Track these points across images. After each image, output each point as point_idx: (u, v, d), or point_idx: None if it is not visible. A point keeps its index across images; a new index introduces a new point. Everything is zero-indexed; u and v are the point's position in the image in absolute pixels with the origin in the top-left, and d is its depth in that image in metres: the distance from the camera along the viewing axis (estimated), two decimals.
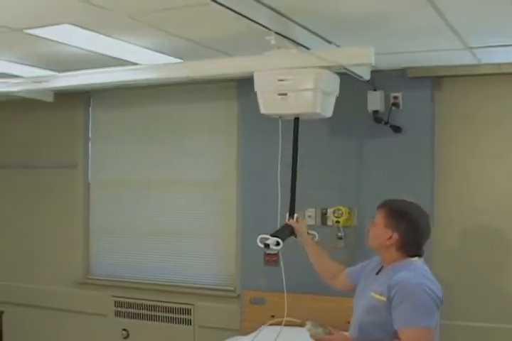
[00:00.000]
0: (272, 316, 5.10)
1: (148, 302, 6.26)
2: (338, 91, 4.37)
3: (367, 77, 4.72)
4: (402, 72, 5.04)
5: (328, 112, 4.31)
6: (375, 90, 5.09)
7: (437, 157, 5.11)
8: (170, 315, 6.16)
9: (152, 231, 6.35)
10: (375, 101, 5.09)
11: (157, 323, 6.23)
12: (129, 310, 6.36)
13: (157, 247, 6.32)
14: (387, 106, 5.11)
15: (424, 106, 5.07)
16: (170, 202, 6.29)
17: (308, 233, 4.16)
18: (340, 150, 5.31)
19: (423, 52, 4.53)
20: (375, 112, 5.10)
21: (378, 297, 3.12)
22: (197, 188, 6.13)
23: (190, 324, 6.07)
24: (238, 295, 5.73)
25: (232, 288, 5.89)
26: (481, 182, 5.07)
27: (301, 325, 3.30)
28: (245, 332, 4.91)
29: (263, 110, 4.25)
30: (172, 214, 6.27)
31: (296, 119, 4.26)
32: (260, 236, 4.01)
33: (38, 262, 6.88)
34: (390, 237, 3.20)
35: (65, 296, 6.71)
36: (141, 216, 6.42)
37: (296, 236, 4.10)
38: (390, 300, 3.06)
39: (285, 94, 4.09)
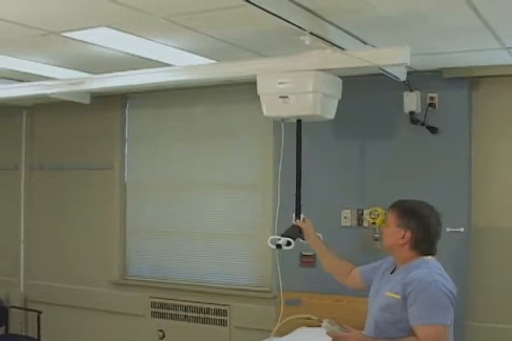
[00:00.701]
0: (308, 318, 5.11)
1: (185, 303, 6.29)
2: (340, 93, 4.38)
3: (403, 77, 4.70)
4: (438, 72, 5.01)
5: (331, 114, 4.33)
6: (411, 91, 5.06)
7: (474, 158, 5.07)
8: (206, 315, 6.18)
9: (188, 232, 6.39)
10: (411, 101, 5.07)
11: (193, 324, 6.26)
12: (166, 310, 6.40)
13: (193, 248, 6.36)
14: (423, 106, 5.08)
15: (461, 106, 5.04)
16: (206, 203, 6.31)
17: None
18: (376, 150, 5.29)
19: (459, 53, 4.49)
20: (412, 113, 5.08)
21: (393, 295, 3.16)
22: (233, 189, 6.15)
23: (226, 325, 6.09)
24: (274, 296, 5.73)
25: (268, 289, 5.90)
26: None
27: (319, 324, 3.34)
28: (281, 334, 4.90)
29: (266, 113, 4.33)
30: (208, 215, 6.30)
31: (299, 122, 4.31)
32: (271, 237, 4.10)
33: (75, 262, 6.96)
34: (403, 236, 3.24)
35: (102, 297, 6.77)
36: (178, 217, 6.46)
37: (303, 238, 4.11)
38: (404, 298, 3.10)
39: (286, 97, 4.14)
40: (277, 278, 4.19)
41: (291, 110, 4.19)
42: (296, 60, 4.11)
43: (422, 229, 3.24)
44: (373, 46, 4.19)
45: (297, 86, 4.12)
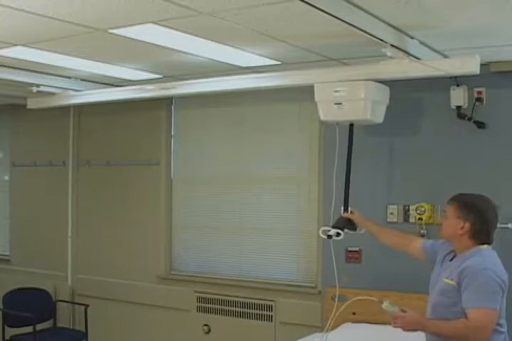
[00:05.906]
0: (354, 313, 5.11)
1: (230, 298, 6.32)
2: (388, 99, 4.88)
3: None
4: (485, 66, 4.92)
5: (379, 118, 4.88)
6: (458, 85, 5.02)
7: None
8: (251, 311, 6.20)
9: (234, 228, 6.42)
10: (458, 96, 5.03)
11: (238, 319, 6.29)
12: (211, 305, 6.44)
13: (239, 243, 6.39)
14: (470, 101, 5.02)
15: (509, 101, 4.96)
16: (252, 198, 6.34)
17: None
18: (422, 146, 5.25)
19: (507, 46, 4.43)
20: (459, 108, 5.03)
21: (449, 282, 3.42)
22: (279, 185, 6.16)
23: (271, 320, 6.10)
24: (320, 292, 5.73)
25: (313, 285, 5.90)
26: None
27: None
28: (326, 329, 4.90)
29: (322, 117, 4.92)
30: (254, 211, 6.32)
31: (351, 125, 4.89)
32: (322, 228, 4.55)
33: (122, 257, 7.04)
34: (462, 227, 3.47)
35: (149, 291, 6.84)
36: (223, 212, 6.50)
37: (353, 229, 4.54)
38: (459, 284, 3.35)
39: (340, 104, 4.71)
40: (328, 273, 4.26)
41: (345, 115, 4.78)
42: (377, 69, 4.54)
43: (480, 221, 3.46)
44: (438, 50, 4.36)
45: (350, 94, 4.69)
